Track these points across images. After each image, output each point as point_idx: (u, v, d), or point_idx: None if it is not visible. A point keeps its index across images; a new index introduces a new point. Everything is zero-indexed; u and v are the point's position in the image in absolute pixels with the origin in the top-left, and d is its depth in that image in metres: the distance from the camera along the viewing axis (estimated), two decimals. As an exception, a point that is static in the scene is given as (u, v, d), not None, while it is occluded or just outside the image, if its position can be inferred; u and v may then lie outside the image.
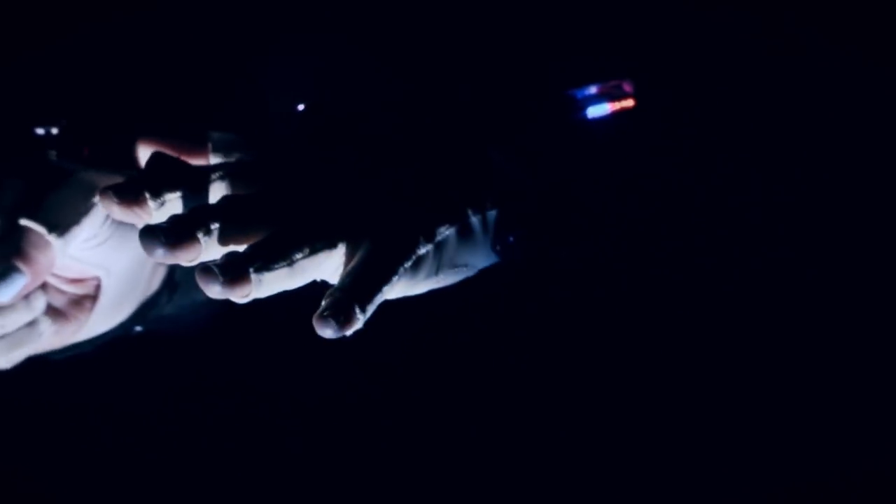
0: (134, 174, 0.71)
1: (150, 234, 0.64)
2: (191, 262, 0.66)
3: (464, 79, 0.83)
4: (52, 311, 0.83)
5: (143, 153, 0.79)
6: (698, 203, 0.82)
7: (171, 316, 0.90)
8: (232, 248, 0.66)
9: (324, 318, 0.64)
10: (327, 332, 0.64)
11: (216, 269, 0.63)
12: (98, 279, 0.83)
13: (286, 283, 0.66)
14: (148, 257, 0.65)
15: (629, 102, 0.82)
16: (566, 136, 0.81)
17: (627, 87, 0.82)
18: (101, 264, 0.82)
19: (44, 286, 0.81)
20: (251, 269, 0.64)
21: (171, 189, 0.68)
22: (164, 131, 0.78)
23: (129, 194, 0.67)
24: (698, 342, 0.85)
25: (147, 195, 0.67)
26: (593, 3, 0.86)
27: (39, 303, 0.80)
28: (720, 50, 0.84)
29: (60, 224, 0.78)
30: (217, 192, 0.70)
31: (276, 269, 0.65)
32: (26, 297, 0.79)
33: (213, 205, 0.68)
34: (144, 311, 0.88)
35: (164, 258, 0.65)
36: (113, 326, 0.87)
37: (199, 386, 0.98)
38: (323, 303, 0.65)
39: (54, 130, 0.82)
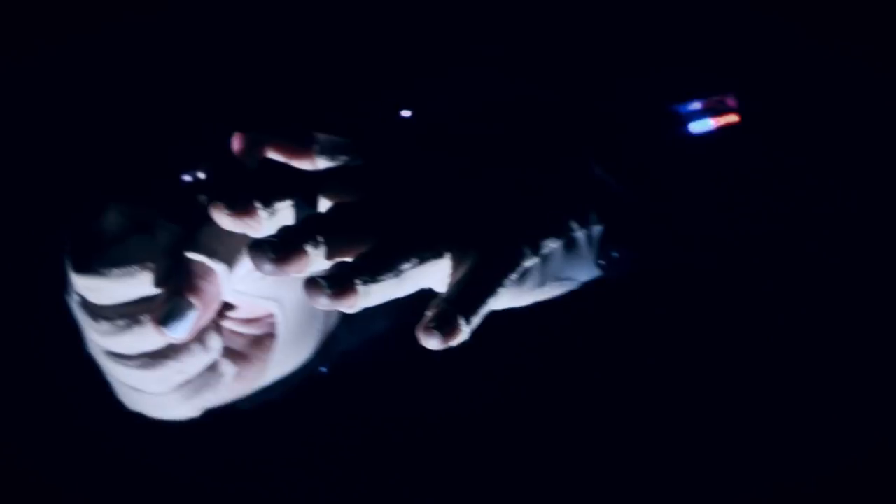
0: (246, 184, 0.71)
1: (259, 249, 0.65)
2: (299, 274, 0.66)
3: (567, 91, 0.83)
4: (233, 354, 0.81)
5: (248, 152, 0.77)
6: (804, 219, 0.81)
7: (351, 352, 0.89)
8: (340, 258, 0.67)
9: (429, 329, 0.64)
10: (432, 342, 0.64)
11: (323, 282, 0.64)
12: (272, 315, 0.82)
13: (393, 293, 0.67)
14: None
15: (733, 117, 0.82)
16: (669, 152, 0.81)
17: (731, 102, 0.82)
18: (271, 296, 0.81)
19: (219, 329, 0.79)
20: (358, 281, 0.64)
21: (282, 198, 0.69)
22: (270, 132, 0.77)
23: (241, 204, 0.68)
24: (800, 355, 0.85)
25: (258, 205, 0.68)
26: (697, 16, 0.86)
27: (215, 343, 0.78)
28: (825, 63, 0.84)
29: (220, 252, 0.76)
30: (326, 198, 0.70)
31: (384, 279, 0.65)
32: (201, 338, 0.77)
33: (321, 215, 0.68)
34: (327, 348, 0.87)
35: (273, 273, 0.65)
36: (297, 367, 0.85)
37: (388, 424, 0.98)
38: (428, 313, 0.65)
39: (201, 175, 0.83)
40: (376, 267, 0.65)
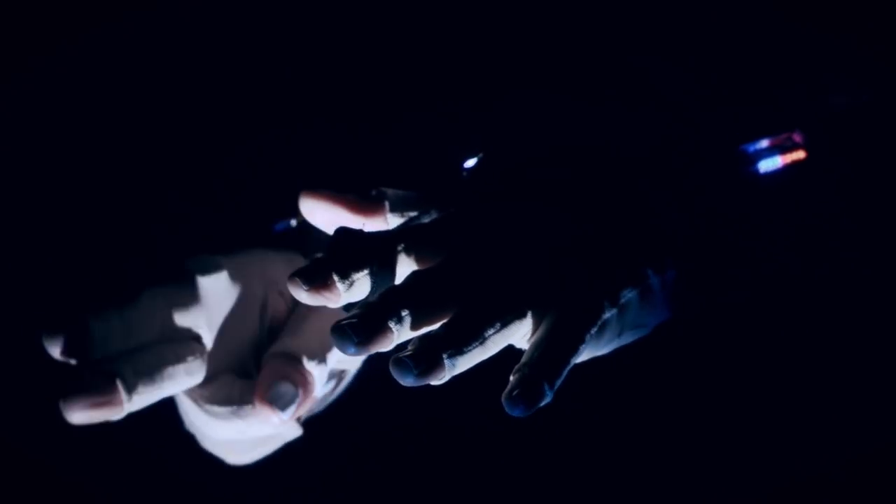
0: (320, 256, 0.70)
1: (342, 333, 0.64)
2: (385, 350, 0.65)
3: (635, 134, 0.83)
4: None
5: (317, 212, 0.78)
6: (874, 255, 0.81)
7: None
8: (423, 329, 0.66)
9: (513, 397, 0.63)
10: (517, 411, 0.63)
11: (410, 362, 0.63)
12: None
13: (478, 359, 0.66)
14: None
15: (800, 154, 0.81)
16: (739, 192, 0.81)
17: (798, 138, 0.82)
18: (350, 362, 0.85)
19: None
20: (445, 356, 0.63)
21: (359, 269, 0.67)
22: (338, 190, 0.77)
23: (318, 279, 0.66)
24: (873, 392, 0.84)
25: (335, 278, 0.67)
26: (760, 54, 0.85)
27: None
28: (891, 95, 0.83)
29: (318, 354, 0.82)
30: (402, 262, 0.70)
31: (469, 350, 0.64)
32: None
33: (400, 288, 0.67)
34: None
35: (357, 354, 0.64)
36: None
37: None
38: (511, 378, 0.64)
39: (293, 223, 0.83)
40: (462, 338, 0.64)
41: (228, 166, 0.99)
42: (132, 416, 0.80)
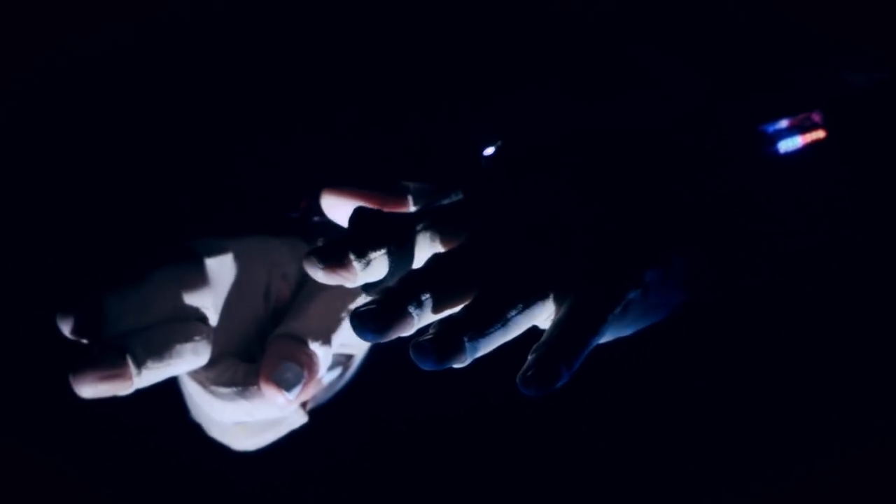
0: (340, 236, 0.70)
1: (361, 320, 0.63)
2: (406, 335, 0.65)
3: (655, 118, 0.83)
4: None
5: (339, 209, 0.78)
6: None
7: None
8: (445, 313, 0.65)
9: (527, 378, 0.62)
10: (531, 391, 0.62)
11: (431, 346, 0.62)
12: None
13: (501, 341, 0.65)
14: None
15: (820, 134, 0.81)
16: (759, 173, 0.80)
17: (817, 118, 0.81)
18: (355, 346, 0.86)
19: None
20: (465, 339, 0.63)
21: (376, 248, 0.67)
22: (360, 184, 0.77)
23: (334, 258, 0.66)
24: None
25: (352, 257, 0.67)
26: (779, 36, 0.85)
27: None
28: None
29: (322, 336, 0.83)
30: (422, 243, 0.70)
31: (491, 332, 0.64)
32: None
33: (421, 272, 0.67)
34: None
35: (377, 340, 0.64)
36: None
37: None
38: (528, 358, 0.64)
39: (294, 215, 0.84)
40: (484, 321, 0.64)
41: (234, 159, 0.98)
42: (138, 405, 0.80)
